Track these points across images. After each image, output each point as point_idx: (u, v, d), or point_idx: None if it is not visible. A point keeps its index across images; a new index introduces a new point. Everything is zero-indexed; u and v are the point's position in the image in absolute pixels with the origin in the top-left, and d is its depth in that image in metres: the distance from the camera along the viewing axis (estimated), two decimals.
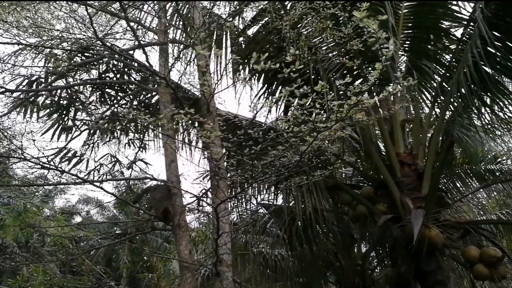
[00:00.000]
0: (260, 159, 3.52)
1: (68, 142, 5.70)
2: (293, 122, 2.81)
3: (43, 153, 4.32)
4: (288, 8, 5.13)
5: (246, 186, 4.68)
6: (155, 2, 5.62)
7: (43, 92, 5.59)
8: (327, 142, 3.39)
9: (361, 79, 5.92)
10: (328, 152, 3.98)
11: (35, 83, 5.61)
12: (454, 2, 5.35)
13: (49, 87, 5.39)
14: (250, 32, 5.94)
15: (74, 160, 5.93)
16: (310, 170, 4.28)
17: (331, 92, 2.59)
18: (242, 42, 6.04)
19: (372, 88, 5.96)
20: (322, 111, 2.70)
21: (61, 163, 5.69)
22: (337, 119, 2.64)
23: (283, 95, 2.48)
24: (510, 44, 4.87)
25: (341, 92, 2.52)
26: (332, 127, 2.76)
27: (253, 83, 6.22)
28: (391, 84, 5.71)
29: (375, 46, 2.24)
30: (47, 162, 4.32)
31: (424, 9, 5.54)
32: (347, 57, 5.06)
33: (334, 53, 5.30)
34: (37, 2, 5.38)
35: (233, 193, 6.46)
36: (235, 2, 5.10)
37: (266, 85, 6.30)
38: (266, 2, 4.85)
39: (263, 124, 6.26)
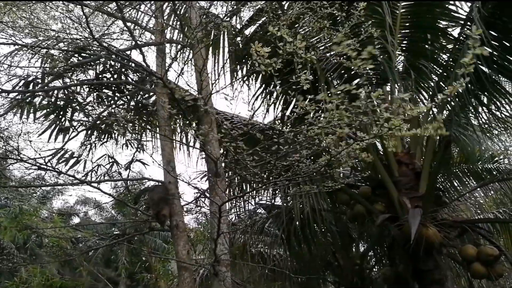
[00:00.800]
0: (278, 160, 3.44)
1: (65, 143, 5.68)
2: (321, 129, 2.65)
3: (39, 154, 4.30)
4: (285, 8, 5.13)
5: (256, 185, 4.64)
6: (152, 2, 5.61)
7: (40, 93, 5.57)
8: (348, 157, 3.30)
9: (358, 79, 5.93)
10: (345, 165, 3.94)
11: (32, 83, 5.58)
12: (451, 2, 5.36)
13: (45, 87, 5.37)
14: (247, 32, 5.94)
15: (72, 161, 5.92)
16: (319, 178, 4.26)
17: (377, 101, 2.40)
18: (240, 42, 6.03)
19: (369, 87, 5.99)
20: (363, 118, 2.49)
21: (59, 164, 5.67)
22: (377, 134, 2.42)
23: (296, 103, 2.36)
24: (507, 44, 4.89)
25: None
26: (369, 140, 2.62)
27: (251, 83, 6.23)
28: (389, 84, 5.75)
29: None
30: (44, 163, 4.30)
31: (421, 9, 5.55)
32: (344, 57, 5.05)
33: (332, 52, 5.30)
34: (33, 2, 5.36)
35: (231, 193, 6.47)
36: (232, 2, 5.09)
37: (263, 85, 6.30)
38: (263, 2, 4.84)
39: (261, 124, 6.26)
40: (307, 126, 2.68)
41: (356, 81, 6.01)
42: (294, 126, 3.11)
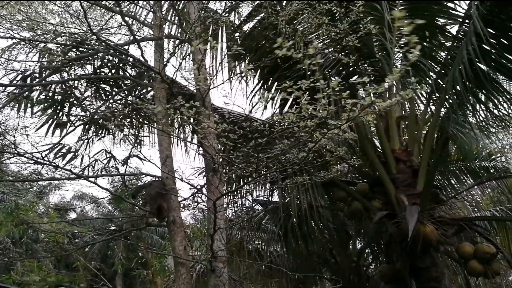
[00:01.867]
0: (261, 153, 3.46)
1: (63, 138, 5.66)
2: (300, 116, 2.69)
3: (36, 149, 4.29)
4: (284, 3, 5.12)
5: (249, 180, 4.64)
6: None
7: (37, 87, 5.54)
8: (333, 143, 3.31)
9: (357, 75, 5.92)
10: (334, 154, 3.94)
11: (29, 78, 5.56)
12: None
13: (43, 82, 5.34)
14: (246, 27, 5.92)
15: (69, 156, 5.90)
16: (312, 170, 4.27)
17: (340, 88, 2.45)
18: (238, 37, 6.01)
19: (368, 84, 5.97)
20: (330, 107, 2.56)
21: (56, 158, 5.66)
22: (348, 118, 2.50)
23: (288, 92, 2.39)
24: (505, 42, 4.89)
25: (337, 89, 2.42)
26: (342, 125, 2.66)
27: (249, 79, 6.21)
28: (387, 81, 5.74)
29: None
30: (41, 158, 4.29)
31: (420, 6, 5.54)
32: (343, 53, 5.05)
33: (330, 49, 5.29)
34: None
35: (228, 189, 6.46)
36: None
37: (262, 81, 6.29)
38: None
39: (258, 120, 6.25)
40: (283, 117, 2.70)
41: (354, 78, 6.00)
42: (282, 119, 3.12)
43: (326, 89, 2.39)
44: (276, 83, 6.10)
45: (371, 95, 2.39)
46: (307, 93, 2.51)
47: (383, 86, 2.35)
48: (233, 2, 5.11)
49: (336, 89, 2.37)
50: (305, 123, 2.76)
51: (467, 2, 5.17)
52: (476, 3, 4.51)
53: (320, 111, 2.51)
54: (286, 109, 6.25)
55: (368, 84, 2.32)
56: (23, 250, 14.85)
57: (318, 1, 4.17)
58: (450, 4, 5.35)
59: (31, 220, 10.16)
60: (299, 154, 3.34)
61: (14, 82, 5.48)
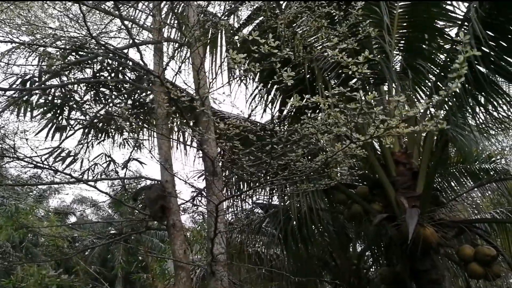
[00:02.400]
0: (274, 159, 3.43)
1: (62, 141, 5.66)
2: (318, 125, 2.64)
3: (36, 153, 4.29)
4: (283, 7, 5.13)
5: (253, 184, 4.64)
6: (149, 0, 5.59)
7: (37, 91, 5.54)
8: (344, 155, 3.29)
9: (356, 78, 5.92)
10: (343, 165, 3.94)
11: (29, 82, 5.56)
12: (449, 2, 5.37)
13: (43, 86, 5.34)
14: (245, 31, 5.93)
15: (68, 160, 5.89)
16: (315, 177, 4.26)
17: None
18: (237, 41, 6.02)
19: (367, 87, 5.98)
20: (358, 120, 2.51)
21: (55, 162, 5.65)
22: (373, 135, 2.42)
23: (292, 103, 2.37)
24: (504, 44, 4.90)
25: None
26: (365, 140, 2.61)
27: (248, 82, 6.21)
28: (386, 84, 5.75)
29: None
30: (40, 162, 4.28)
31: (419, 9, 5.55)
32: (341, 56, 5.05)
33: (329, 52, 5.28)
34: (32, 0, 5.34)
35: (228, 192, 6.45)
36: (230, 1, 5.08)
37: (261, 84, 6.29)
38: (260, 1, 4.84)
39: (259, 124, 6.25)
40: (301, 125, 2.67)
41: (353, 81, 6.01)
42: (290, 125, 3.11)
43: (359, 101, 2.31)
44: (275, 86, 6.10)
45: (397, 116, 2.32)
46: (312, 100, 2.48)
47: (415, 110, 2.28)
48: (232, 6, 5.11)
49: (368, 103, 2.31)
50: (322, 136, 2.71)
51: (466, 5, 5.19)
52: (474, 5, 4.52)
53: (346, 124, 2.45)
54: (285, 112, 6.24)
55: (400, 103, 2.26)
56: (23, 254, 14.82)
57: (317, 2, 4.17)
58: (449, 7, 5.37)
59: (30, 224, 10.14)
60: (308, 164, 3.32)
61: (14, 86, 5.48)
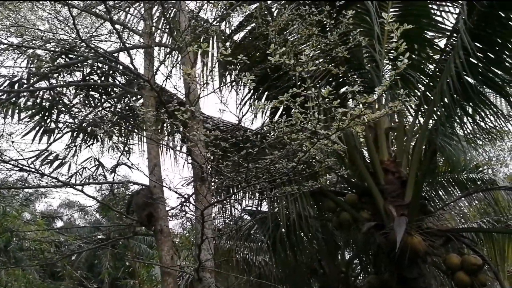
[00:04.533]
0: (251, 163, 3.45)
1: (50, 144, 5.60)
2: (290, 126, 2.68)
3: (21, 155, 4.23)
4: (274, 14, 5.15)
5: (237, 190, 4.64)
6: (141, 5, 5.58)
7: (25, 93, 5.49)
8: (322, 153, 3.32)
9: (346, 86, 5.96)
10: (323, 164, 3.96)
11: (17, 83, 5.51)
12: (438, 13, 5.44)
13: (31, 88, 5.29)
14: (236, 37, 5.94)
15: (56, 163, 5.83)
16: (301, 180, 4.27)
17: (329, 98, 2.45)
18: (229, 47, 6.02)
19: (357, 95, 6.01)
20: (320, 117, 2.58)
21: (42, 166, 5.59)
22: (338, 128, 2.51)
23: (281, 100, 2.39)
24: (491, 56, 4.97)
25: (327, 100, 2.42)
26: (332, 135, 2.66)
27: (239, 88, 6.22)
28: (376, 92, 5.78)
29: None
30: (27, 165, 4.23)
31: (409, 19, 5.60)
32: (332, 64, 5.09)
33: (320, 60, 5.31)
34: (21, 1, 5.30)
35: (217, 198, 6.43)
36: (221, 7, 5.08)
37: (252, 91, 6.29)
38: (253, 7, 4.85)
39: (248, 130, 6.24)
40: (273, 127, 2.70)
41: (344, 89, 6.05)
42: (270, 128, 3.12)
43: (316, 98, 2.40)
44: (266, 93, 6.11)
45: (361, 105, 2.41)
46: (298, 102, 2.52)
47: (372, 96, 2.36)
48: (224, 12, 5.12)
49: (326, 98, 2.38)
50: (296, 135, 2.76)
51: (455, 16, 5.26)
52: (463, 17, 4.58)
53: (311, 121, 2.52)
54: (276, 117, 6.25)
55: (358, 94, 2.34)
56: (6, 259, 14.58)
57: (308, 10, 4.20)
58: (439, 18, 5.44)
59: (15, 228, 10.00)
60: (288, 164, 3.34)
61: (1, 87, 5.42)
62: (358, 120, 2.48)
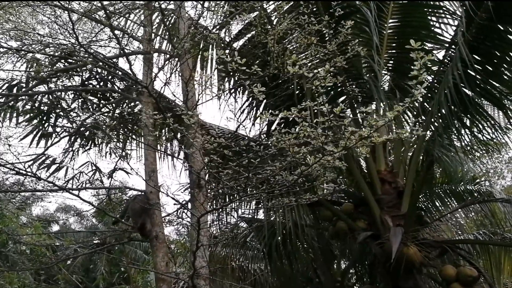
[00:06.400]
0: (252, 173, 3.44)
1: (47, 148, 5.59)
2: (295, 139, 2.66)
3: (18, 159, 4.23)
4: (274, 23, 5.17)
5: (235, 198, 4.62)
6: (141, 11, 5.61)
7: (24, 97, 5.49)
8: (323, 168, 3.31)
9: (344, 96, 5.98)
10: (323, 179, 3.96)
11: (16, 87, 5.51)
12: (437, 25, 5.48)
13: (29, 92, 5.30)
14: (235, 45, 5.96)
15: (53, 167, 5.82)
16: (299, 190, 4.26)
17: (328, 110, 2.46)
18: (228, 55, 6.04)
19: (355, 105, 6.04)
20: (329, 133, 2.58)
21: (39, 170, 5.58)
22: (345, 146, 2.49)
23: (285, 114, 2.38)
24: (489, 68, 5.00)
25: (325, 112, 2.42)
26: (338, 152, 2.64)
27: (238, 96, 6.23)
28: (374, 103, 5.80)
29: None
30: (23, 168, 4.22)
31: (408, 31, 5.66)
32: (331, 73, 5.10)
33: (319, 69, 5.33)
34: (23, 4, 5.32)
35: (214, 205, 6.41)
36: (221, 14, 5.11)
37: (250, 98, 6.30)
38: (252, 15, 4.87)
39: (247, 138, 6.24)
40: (277, 139, 2.69)
41: (342, 98, 6.06)
42: (269, 140, 3.11)
43: (327, 114, 2.36)
44: (264, 101, 6.12)
45: (369, 127, 2.38)
46: (308, 116, 2.51)
47: (384, 120, 2.35)
48: (224, 20, 5.14)
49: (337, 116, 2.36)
50: (299, 149, 2.74)
51: (454, 28, 5.30)
52: (462, 29, 4.61)
53: (318, 137, 2.49)
54: (274, 126, 6.25)
55: (369, 116, 2.33)
56: (2, 262, 14.50)
57: (308, 20, 4.22)
58: (438, 30, 5.48)
59: (11, 231, 9.96)
60: (288, 177, 3.32)
61: (0, 91, 5.42)
62: (365, 141, 2.45)
